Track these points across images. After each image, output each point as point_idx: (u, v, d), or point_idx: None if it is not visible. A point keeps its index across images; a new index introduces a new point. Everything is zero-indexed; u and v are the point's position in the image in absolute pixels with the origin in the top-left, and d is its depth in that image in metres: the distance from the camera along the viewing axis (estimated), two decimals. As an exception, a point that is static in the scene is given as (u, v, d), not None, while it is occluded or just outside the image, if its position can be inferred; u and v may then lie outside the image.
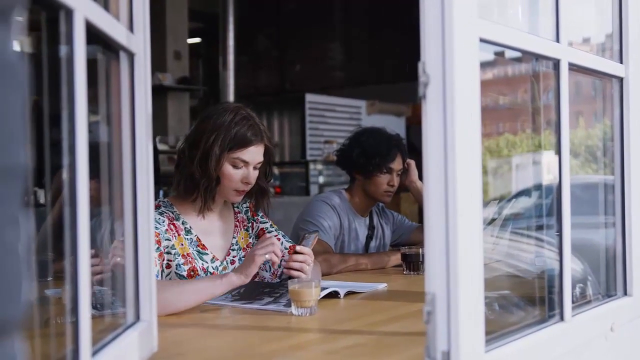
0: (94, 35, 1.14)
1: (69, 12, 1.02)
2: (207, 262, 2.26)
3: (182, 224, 2.26)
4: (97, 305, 1.40)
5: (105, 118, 1.39)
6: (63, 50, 1.04)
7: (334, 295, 2.15)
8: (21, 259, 0.57)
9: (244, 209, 2.46)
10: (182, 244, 2.22)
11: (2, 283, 0.55)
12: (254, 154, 2.25)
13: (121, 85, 1.38)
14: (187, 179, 2.25)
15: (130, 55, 1.38)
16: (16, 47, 0.58)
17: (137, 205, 1.41)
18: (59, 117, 1.06)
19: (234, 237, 2.39)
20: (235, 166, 2.23)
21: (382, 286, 2.39)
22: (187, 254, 2.22)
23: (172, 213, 2.26)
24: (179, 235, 2.23)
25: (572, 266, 1.60)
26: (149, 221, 1.43)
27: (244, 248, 2.40)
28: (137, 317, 1.41)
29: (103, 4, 1.25)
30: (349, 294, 2.22)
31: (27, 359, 0.62)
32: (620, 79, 1.85)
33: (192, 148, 2.24)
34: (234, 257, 2.36)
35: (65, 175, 1.04)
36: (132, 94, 1.39)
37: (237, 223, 2.42)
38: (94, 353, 1.12)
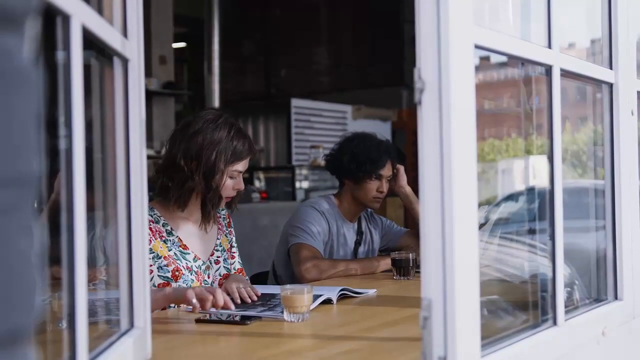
0: (88, 41, 1.14)
1: (66, 18, 1.01)
2: (190, 262, 2.32)
3: (163, 226, 2.32)
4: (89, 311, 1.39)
5: (98, 124, 1.39)
6: (59, 55, 1.03)
7: (326, 301, 2.15)
8: (34, 267, 0.57)
9: (222, 216, 2.55)
10: (161, 247, 2.28)
11: (16, 291, 0.55)
12: (247, 163, 2.38)
13: (115, 91, 1.37)
14: (187, 192, 2.29)
15: (125, 61, 1.37)
16: (29, 55, 0.58)
17: (130, 212, 1.40)
18: (54, 123, 1.05)
19: (218, 239, 2.47)
20: (231, 177, 2.34)
21: (372, 292, 2.40)
22: (169, 255, 2.28)
23: (152, 216, 2.29)
24: (156, 239, 2.28)
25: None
26: (143, 227, 1.42)
27: (227, 250, 2.49)
28: (132, 324, 1.40)
29: (97, 9, 1.24)
30: (342, 297, 2.22)
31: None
32: (610, 85, 1.87)
33: (189, 161, 2.27)
34: (218, 257, 2.44)
35: (62, 181, 1.03)
36: (126, 99, 1.38)
37: (220, 226, 2.51)
38: (90, 361, 1.12)
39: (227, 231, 2.54)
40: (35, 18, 0.60)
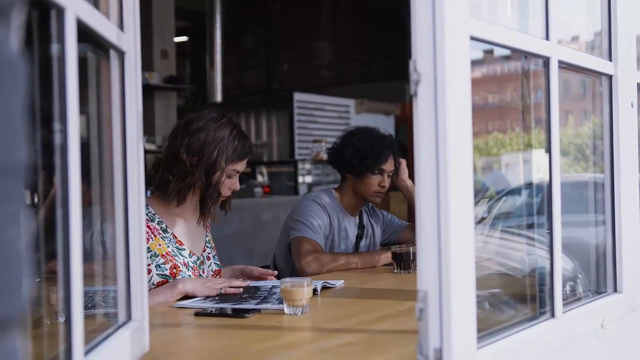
0: (84, 34, 1.14)
1: (60, 11, 1.01)
2: (186, 257, 2.36)
3: (158, 224, 2.35)
4: (86, 304, 1.39)
5: (95, 118, 1.39)
6: (54, 48, 1.03)
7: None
8: (22, 256, 0.57)
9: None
10: (159, 245, 2.31)
11: (3, 280, 0.55)
12: (245, 164, 2.42)
13: (111, 84, 1.37)
14: (186, 187, 2.33)
15: (121, 54, 1.37)
16: (15, 45, 0.58)
17: (128, 206, 1.40)
18: (49, 117, 1.05)
19: (207, 236, 2.52)
20: (229, 176, 2.37)
21: (340, 283, 2.43)
22: (167, 252, 2.31)
23: (147, 214, 2.30)
24: (155, 236, 2.31)
25: (562, 264, 1.60)
26: (140, 221, 1.42)
27: (213, 247, 2.55)
28: (129, 317, 1.40)
29: (93, 2, 1.24)
30: (324, 288, 2.28)
31: (27, 356, 0.62)
32: (610, 77, 1.86)
33: (190, 156, 2.31)
34: (208, 253, 2.50)
35: (57, 175, 1.03)
36: (123, 93, 1.38)
37: (208, 225, 2.55)
38: (86, 352, 1.12)
39: (210, 230, 2.59)
40: (22, 9, 0.60)
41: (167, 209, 2.38)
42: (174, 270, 2.29)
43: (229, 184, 2.38)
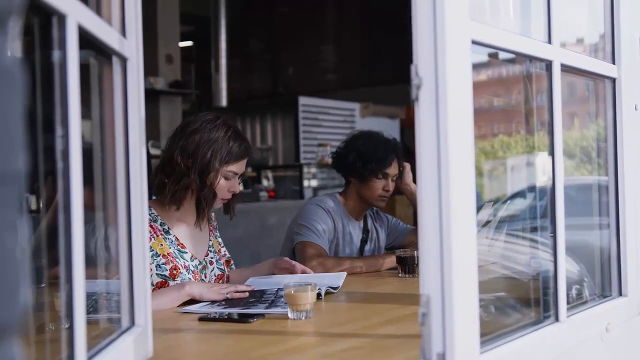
0: (86, 40, 1.14)
1: (62, 18, 1.02)
2: (187, 261, 2.36)
3: (161, 225, 2.36)
4: (89, 309, 1.39)
5: (98, 123, 1.39)
6: (55, 55, 1.04)
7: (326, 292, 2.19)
8: (19, 263, 0.57)
9: (212, 219, 2.60)
10: (161, 245, 2.32)
11: (1, 287, 0.55)
12: (243, 165, 2.41)
13: (114, 90, 1.37)
14: (182, 189, 2.33)
15: (123, 60, 1.37)
16: (13, 53, 0.58)
17: (131, 211, 1.40)
18: (51, 123, 1.05)
19: (210, 240, 2.52)
20: (226, 178, 2.37)
21: (343, 276, 2.46)
22: (168, 253, 2.32)
23: (150, 215, 2.32)
24: (157, 236, 2.32)
25: (568, 268, 1.60)
26: (143, 226, 1.42)
27: (217, 251, 2.54)
28: (132, 322, 1.40)
29: (95, 8, 1.25)
30: (327, 293, 2.26)
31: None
32: (613, 80, 1.86)
33: (185, 158, 2.31)
34: (211, 258, 2.49)
35: (59, 181, 1.03)
36: (125, 98, 1.39)
37: (211, 228, 2.55)
38: (89, 358, 1.12)
39: (216, 234, 2.59)
40: (19, 17, 0.61)
41: (168, 212, 2.37)
42: (174, 272, 2.29)
43: (228, 186, 2.37)
